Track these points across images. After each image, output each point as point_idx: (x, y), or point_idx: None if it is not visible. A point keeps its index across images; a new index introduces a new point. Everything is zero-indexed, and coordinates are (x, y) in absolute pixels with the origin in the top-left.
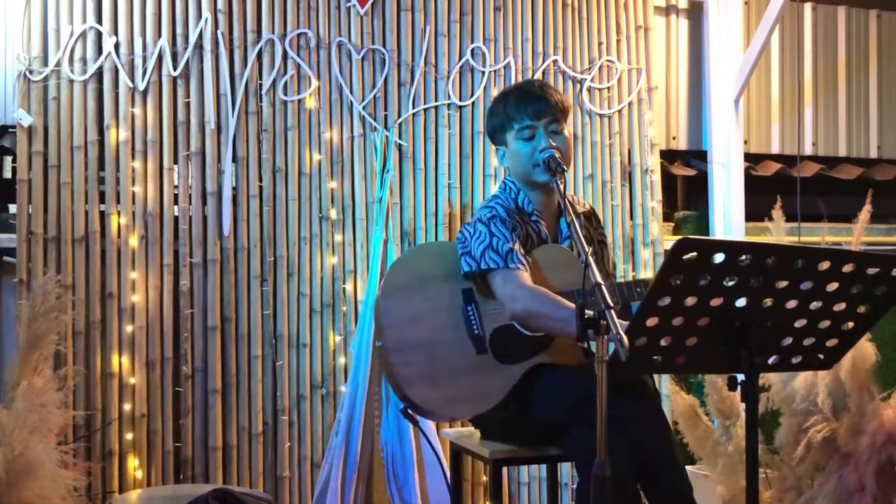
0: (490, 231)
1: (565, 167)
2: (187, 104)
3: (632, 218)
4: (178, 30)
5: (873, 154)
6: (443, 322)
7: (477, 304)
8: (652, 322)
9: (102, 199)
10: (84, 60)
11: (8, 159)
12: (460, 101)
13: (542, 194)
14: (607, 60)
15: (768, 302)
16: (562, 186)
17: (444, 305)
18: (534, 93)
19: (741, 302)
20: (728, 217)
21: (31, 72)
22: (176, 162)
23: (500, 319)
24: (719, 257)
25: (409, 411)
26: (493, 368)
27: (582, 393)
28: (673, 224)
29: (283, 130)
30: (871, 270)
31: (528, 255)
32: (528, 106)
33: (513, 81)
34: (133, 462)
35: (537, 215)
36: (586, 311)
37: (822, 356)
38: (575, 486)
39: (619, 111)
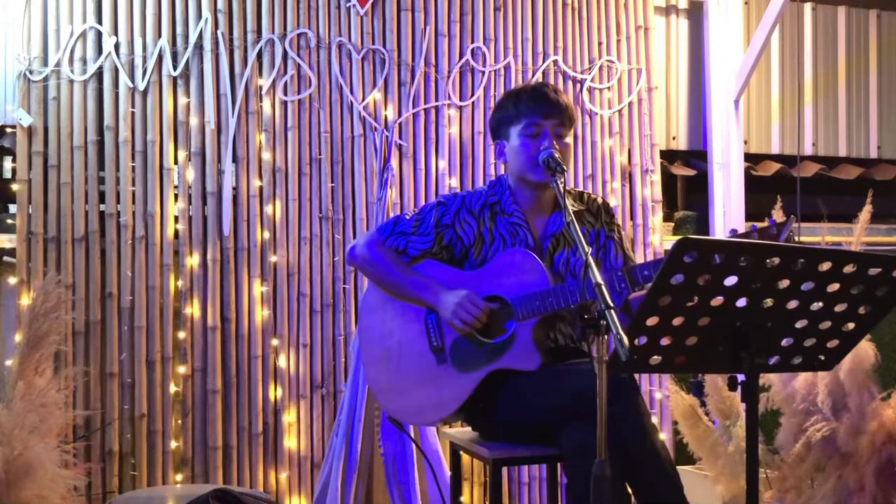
0: (418, 212)
1: (565, 167)
2: (187, 104)
3: (632, 218)
4: (178, 30)
5: (873, 154)
6: (408, 335)
7: (437, 314)
8: (652, 322)
9: (102, 199)
10: (84, 60)
11: (8, 159)
12: (460, 101)
13: (534, 193)
14: (607, 60)
15: (769, 302)
16: (561, 186)
17: (409, 318)
18: (547, 94)
19: (742, 302)
20: (728, 217)
21: (31, 72)
22: (176, 162)
23: None
24: (719, 257)
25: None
26: (453, 377)
27: (571, 392)
28: (673, 224)
29: (283, 130)
30: (873, 271)
31: (487, 259)
32: (540, 105)
33: (513, 81)
34: (133, 462)
35: (519, 216)
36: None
37: (822, 357)
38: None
39: (619, 111)
